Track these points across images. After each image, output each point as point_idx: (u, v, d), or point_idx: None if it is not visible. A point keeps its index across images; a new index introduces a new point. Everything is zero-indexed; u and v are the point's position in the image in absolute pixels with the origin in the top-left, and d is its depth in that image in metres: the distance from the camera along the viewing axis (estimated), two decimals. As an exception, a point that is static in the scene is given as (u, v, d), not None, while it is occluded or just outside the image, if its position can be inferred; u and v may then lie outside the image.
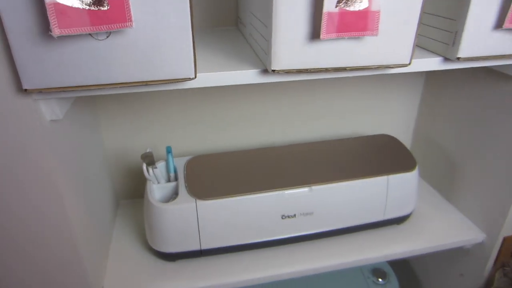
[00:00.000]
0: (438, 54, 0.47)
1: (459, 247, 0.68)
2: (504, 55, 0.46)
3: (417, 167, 0.66)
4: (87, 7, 0.31)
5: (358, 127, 0.82)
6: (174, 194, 0.62)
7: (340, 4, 0.35)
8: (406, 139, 0.85)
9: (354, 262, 0.63)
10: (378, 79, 0.77)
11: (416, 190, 0.67)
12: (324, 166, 0.65)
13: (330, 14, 0.36)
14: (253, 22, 0.49)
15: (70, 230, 0.47)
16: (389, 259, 0.66)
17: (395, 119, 0.83)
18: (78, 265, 0.49)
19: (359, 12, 0.36)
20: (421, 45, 0.51)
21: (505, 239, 0.65)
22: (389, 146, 0.71)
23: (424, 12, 0.50)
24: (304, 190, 0.60)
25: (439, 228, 0.69)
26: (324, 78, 0.42)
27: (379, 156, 0.68)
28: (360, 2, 0.36)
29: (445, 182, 0.77)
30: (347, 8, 0.36)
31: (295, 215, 0.62)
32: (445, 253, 0.70)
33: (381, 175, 0.63)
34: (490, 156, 0.64)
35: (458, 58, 0.45)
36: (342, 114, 0.79)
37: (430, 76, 0.78)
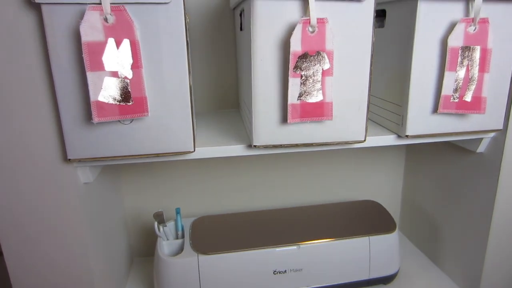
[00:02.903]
0: (393, 132, 0.59)
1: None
2: (444, 133, 0.57)
3: (397, 230, 0.73)
4: (118, 103, 0.45)
5: (347, 193, 0.91)
6: (181, 250, 0.71)
7: (301, 97, 0.48)
8: (393, 203, 0.93)
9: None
10: (361, 149, 0.88)
11: (398, 251, 0.74)
12: (312, 228, 0.74)
13: (293, 105, 0.48)
14: (244, 108, 0.62)
15: (91, 280, 0.56)
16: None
17: (382, 185, 0.92)
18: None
19: (316, 103, 0.49)
20: (380, 123, 0.63)
21: (484, 299, 0.69)
22: (373, 210, 0.80)
23: (379, 98, 0.63)
24: (293, 248, 0.69)
25: (423, 288, 0.75)
26: (312, 151, 0.54)
27: (363, 219, 0.77)
28: (316, 96, 0.48)
29: (430, 243, 0.83)
30: (307, 100, 0.48)
31: (285, 271, 0.69)
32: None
33: (363, 236, 0.71)
34: (465, 220, 0.72)
35: (407, 136, 0.56)
36: (332, 181, 0.89)
37: (409, 147, 0.88)
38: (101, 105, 0.45)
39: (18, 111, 0.47)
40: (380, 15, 0.61)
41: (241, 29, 0.63)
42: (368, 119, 0.53)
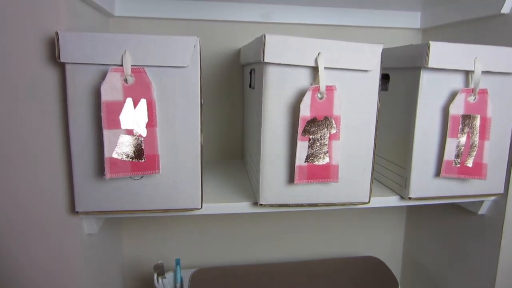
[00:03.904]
0: (396, 192, 0.60)
1: None
2: (447, 196, 0.58)
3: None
4: (131, 160, 0.46)
5: (348, 248, 0.90)
6: (178, 303, 0.70)
7: (308, 160, 0.50)
8: (394, 259, 0.92)
9: None
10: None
11: (400, 312, 0.73)
12: (312, 284, 0.73)
13: (301, 167, 0.50)
14: (250, 163, 0.63)
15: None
16: None
17: (383, 241, 0.91)
18: None
19: (322, 165, 0.50)
20: (383, 182, 0.64)
21: None
22: (374, 267, 0.79)
23: (383, 158, 0.64)
24: (293, 305, 0.68)
25: None
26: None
27: (364, 276, 0.76)
28: (323, 158, 0.50)
29: (432, 305, 0.81)
30: (314, 163, 0.50)
31: (285, 329, 0.68)
32: None
33: (365, 295, 0.70)
34: (468, 281, 0.71)
35: (410, 198, 0.57)
36: (333, 235, 0.89)
37: (409, 206, 0.89)
38: (114, 162, 0.46)
39: (31, 162, 0.48)
40: (384, 78, 0.64)
41: (250, 85, 0.66)
42: (372, 181, 0.54)
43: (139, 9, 0.70)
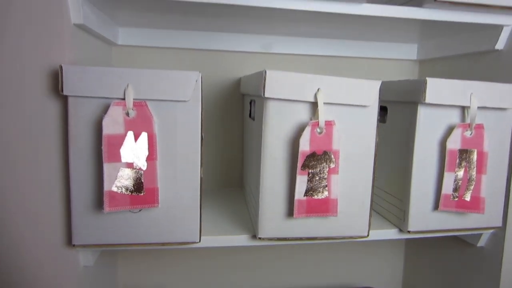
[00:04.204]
0: (395, 225, 0.59)
1: None
2: (445, 229, 0.58)
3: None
4: (130, 193, 0.46)
5: (347, 278, 0.89)
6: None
7: (307, 194, 0.50)
8: (394, 290, 0.92)
9: None
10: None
11: None
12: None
13: (300, 201, 0.50)
14: (250, 193, 0.63)
15: None
16: None
17: (382, 271, 0.90)
18: None
19: (321, 199, 0.50)
20: (381, 213, 0.64)
21: None
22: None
23: (381, 189, 0.64)
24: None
25: None
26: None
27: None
28: (322, 192, 0.50)
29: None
30: (313, 197, 0.50)
31: None
32: None
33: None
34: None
35: (409, 231, 0.57)
36: (331, 265, 0.88)
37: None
38: (113, 195, 0.46)
39: (29, 193, 0.48)
40: (382, 109, 0.64)
41: (250, 115, 0.66)
42: (371, 214, 0.54)
43: (141, 39, 0.72)
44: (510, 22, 0.59)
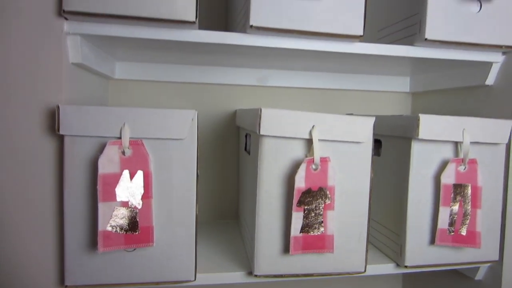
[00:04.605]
0: (391, 259, 0.59)
1: None
2: (443, 264, 0.57)
3: None
4: (125, 232, 0.46)
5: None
6: None
7: (303, 230, 0.49)
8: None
9: None
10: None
11: None
12: None
13: (296, 237, 0.49)
14: (245, 227, 0.63)
15: None
16: None
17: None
18: None
19: (318, 236, 0.50)
20: (378, 247, 0.63)
21: None
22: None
23: (378, 223, 0.64)
24: None
25: None
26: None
27: None
28: (318, 229, 0.50)
29: None
30: (309, 233, 0.50)
31: None
32: None
33: None
34: None
35: (406, 266, 0.56)
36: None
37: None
38: (108, 235, 0.45)
39: (22, 232, 0.47)
40: (376, 142, 0.65)
41: (245, 148, 0.67)
42: (368, 249, 0.54)
43: (138, 73, 0.73)
44: (499, 59, 0.61)
